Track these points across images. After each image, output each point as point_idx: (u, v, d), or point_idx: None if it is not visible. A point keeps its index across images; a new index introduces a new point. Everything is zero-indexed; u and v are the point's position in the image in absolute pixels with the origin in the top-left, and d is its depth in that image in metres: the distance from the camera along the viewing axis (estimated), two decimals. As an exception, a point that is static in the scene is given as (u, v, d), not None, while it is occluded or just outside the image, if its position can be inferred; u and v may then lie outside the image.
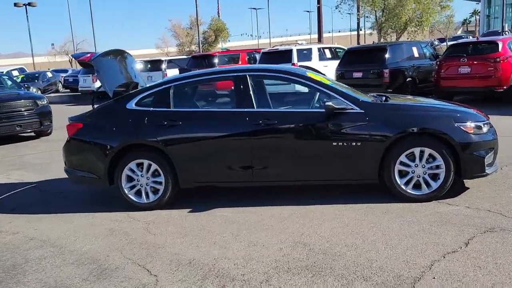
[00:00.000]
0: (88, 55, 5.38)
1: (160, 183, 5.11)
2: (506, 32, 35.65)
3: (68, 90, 29.49)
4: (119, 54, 5.76)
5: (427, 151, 4.69)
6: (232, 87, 5.15)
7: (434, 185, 4.73)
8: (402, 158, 4.73)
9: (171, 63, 19.07)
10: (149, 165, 5.09)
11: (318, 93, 5.04)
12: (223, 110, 5.12)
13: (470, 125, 4.71)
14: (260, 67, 5.98)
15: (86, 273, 3.71)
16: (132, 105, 5.22)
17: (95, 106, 5.44)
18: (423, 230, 4.04)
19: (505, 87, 11.24)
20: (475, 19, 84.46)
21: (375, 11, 18.69)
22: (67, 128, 5.40)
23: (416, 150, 4.70)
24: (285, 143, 4.89)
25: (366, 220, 4.38)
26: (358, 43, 23.92)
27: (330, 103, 4.69)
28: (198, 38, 27.87)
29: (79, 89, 24.41)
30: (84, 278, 3.63)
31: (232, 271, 3.54)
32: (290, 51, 14.71)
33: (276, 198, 5.18)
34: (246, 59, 17.57)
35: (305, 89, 5.27)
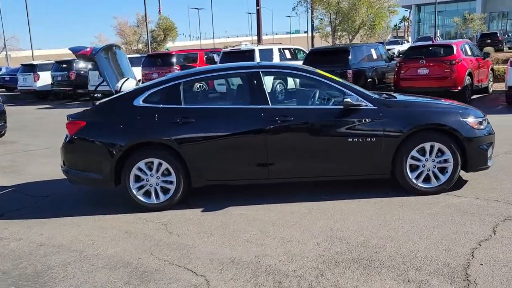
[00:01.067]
0: (88, 49, 5.11)
1: (171, 182, 4.95)
2: (438, 38, 38.02)
3: (4, 89, 27.68)
4: (110, 48, 5.53)
5: (437, 145, 4.90)
6: (242, 83, 5.10)
7: (443, 178, 4.96)
8: (414, 152, 4.92)
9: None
10: (159, 164, 4.91)
11: (330, 90, 5.11)
12: (238, 107, 5.04)
13: (474, 120, 4.98)
14: (272, 64, 5.96)
15: (125, 277, 3.52)
16: (139, 102, 5.01)
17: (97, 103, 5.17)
18: (447, 221, 4.22)
19: (459, 88, 11.99)
20: (404, 25, 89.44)
21: (330, 13, 19.23)
22: (67, 126, 5.08)
23: (427, 145, 4.90)
24: (301, 140, 4.91)
25: (388, 213, 4.50)
26: (313, 45, 24.42)
27: (348, 100, 4.77)
28: (147, 37, 27.13)
29: (18, 88, 23.02)
30: (126, 282, 3.44)
31: (281, 268, 3.51)
32: (253, 51, 14.73)
33: (286, 195, 5.18)
34: (204, 58, 17.39)
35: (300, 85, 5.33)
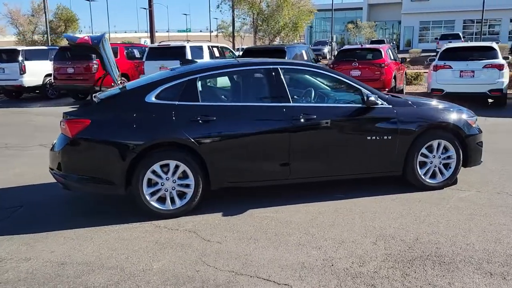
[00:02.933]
0: (86, 37, 4.49)
1: (187, 186, 4.56)
2: (332, 43, 40.50)
3: None
4: (104, 38, 4.95)
5: (443, 143, 5.17)
6: (261, 80, 4.89)
7: (447, 173, 5.25)
8: (423, 150, 5.13)
9: (32, 54, 16.61)
10: (176, 167, 4.50)
11: (348, 89, 5.11)
12: (260, 105, 4.79)
13: (471, 119, 5.35)
14: (288, 61, 5.77)
15: (201, 293, 3.15)
16: (151, 98, 4.53)
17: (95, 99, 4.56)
18: (473, 214, 4.47)
19: (387, 89, 12.82)
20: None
21: (253, 13, 19.28)
22: (67, 125, 4.40)
23: (435, 142, 5.15)
24: (323, 138, 4.85)
25: (413, 209, 4.64)
26: (233, 44, 24.37)
27: (372, 98, 4.82)
28: (47, 28, 24.61)
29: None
30: (207, 299, 3.08)
31: (361, 270, 3.42)
32: (184, 47, 14.24)
33: (299, 195, 5.05)
34: (124, 53, 16.36)
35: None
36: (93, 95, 5.15)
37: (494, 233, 4.01)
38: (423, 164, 5.19)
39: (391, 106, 5.03)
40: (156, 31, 33.45)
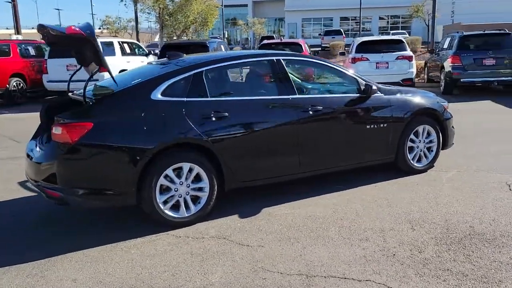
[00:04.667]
0: (77, 28, 3.85)
1: (200, 189, 4.19)
2: (224, 39, 40.86)
3: None
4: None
5: (427, 128, 5.45)
6: (265, 72, 4.67)
7: (430, 156, 5.55)
8: (412, 136, 5.35)
9: None
10: (190, 169, 4.10)
11: (345, 79, 5.11)
12: (269, 98, 4.55)
13: (445, 104, 5.71)
14: (288, 53, 5.51)
15: (290, 302, 2.88)
16: (157, 95, 4.05)
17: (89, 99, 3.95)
18: (473, 192, 4.77)
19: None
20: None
21: (159, 7, 18.28)
22: (65, 130, 3.73)
23: (420, 128, 5.40)
24: (329, 129, 4.80)
25: (420, 192, 4.81)
26: (138, 39, 22.76)
27: (374, 87, 4.88)
28: None
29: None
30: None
31: (424, 256, 3.42)
32: (94, 44, 13.11)
33: (299, 191, 4.90)
34: (17, 51, 14.57)
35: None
36: (71, 93, 4.50)
37: (506, 208, 4.31)
38: (411, 149, 5.40)
39: (383, 94, 5.15)
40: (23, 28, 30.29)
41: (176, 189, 4.06)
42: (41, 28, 4.01)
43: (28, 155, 4.26)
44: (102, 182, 3.83)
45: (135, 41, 16.06)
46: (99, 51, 3.85)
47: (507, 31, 12.73)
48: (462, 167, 5.66)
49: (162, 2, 17.34)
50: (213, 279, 3.20)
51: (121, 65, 13.81)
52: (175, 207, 4.10)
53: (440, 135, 5.53)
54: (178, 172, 4.06)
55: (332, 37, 37.84)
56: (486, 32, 13.02)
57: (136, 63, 14.60)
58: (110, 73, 3.97)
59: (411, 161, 5.39)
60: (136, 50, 15.27)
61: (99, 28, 37.29)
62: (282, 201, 4.68)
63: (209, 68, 4.37)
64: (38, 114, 4.79)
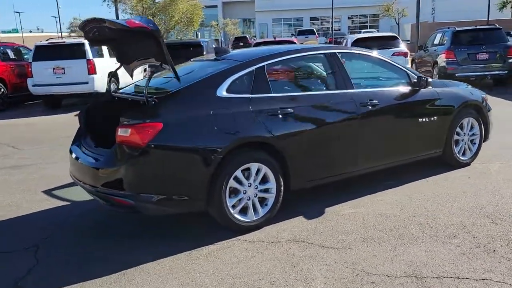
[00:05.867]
0: (139, 21, 3.54)
1: (267, 190, 3.95)
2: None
3: None
4: None
5: (471, 120, 5.38)
6: (322, 66, 4.48)
7: (473, 149, 5.49)
8: (457, 129, 5.27)
9: None
10: (258, 170, 3.86)
11: (395, 73, 4.96)
12: (330, 93, 4.35)
13: (485, 96, 5.66)
14: (340, 47, 5.31)
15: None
16: (222, 92, 3.79)
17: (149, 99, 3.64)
18: (531, 183, 4.73)
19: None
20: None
21: (143, 7, 17.64)
22: (134, 131, 3.41)
23: (465, 120, 5.33)
24: (385, 124, 4.65)
25: (476, 185, 4.73)
26: None
27: (430, 80, 4.76)
28: None
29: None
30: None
31: (524, 249, 3.32)
32: (82, 45, 12.58)
33: (349, 190, 4.72)
34: (-4, 54, 13.82)
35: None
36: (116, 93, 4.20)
37: None
38: (456, 142, 5.32)
39: (431, 87, 5.04)
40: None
41: (244, 191, 3.81)
42: (95, 21, 3.68)
43: (77, 160, 3.94)
44: (174, 186, 3.54)
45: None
46: (163, 46, 3.54)
47: (498, 26, 13.00)
48: (503, 159, 5.63)
49: (145, 1, 16.85)
50: (317, 285, 2.98)
51: (110, 67, 13.30)
52: (243, 211, 3.85)
53: (483, 127, 5.48)
54: (246, 173, 3.81)
55: (306, 37, 38.10)
56: (477, 27, 13.26)
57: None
58: (173, 70, 3.66)
59: (457, 154, 5.31)
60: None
61: (69, 30, 36.10)
62: (340, 200, 4.49)
63: (270, 62, 4.13)
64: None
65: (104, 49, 13.50)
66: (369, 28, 48.00)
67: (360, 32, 42.41)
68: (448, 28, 13.45)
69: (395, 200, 4.44)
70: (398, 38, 12.99)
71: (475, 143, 5.49)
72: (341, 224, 3.93)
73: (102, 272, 3.29)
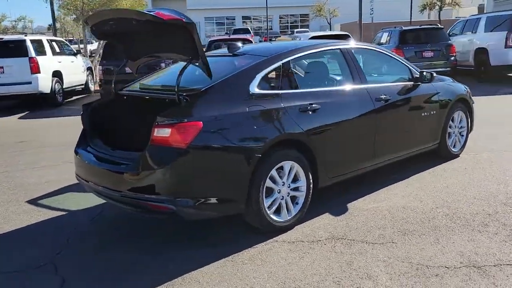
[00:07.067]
0: (169, 13, 3.30)
1: (297, 189, 3.85)
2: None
3: None
4: None
5: (460, 113, 5.63)
6: (337, 61, 4.46)
7: (462, 141, 5.74)
8: (449, 122, 5.48)
9: None
10: (291, 168, 3.75)
11: (398, 67, 5.04)
12: (350, 88, 4.31)
13: (469, 91, 5.94)
14: (353, 42, 5.21)
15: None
16: (254, 88, 3.62)
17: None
18: (524, 171, 5.03)
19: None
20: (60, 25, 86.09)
21: (82, 2, 16.41)
22: (175, 131, 3.15)
23: (456, 114, 5.56)
24: (395, 118, 4.71)
25: (477, 175, 4.93)
26: (56, 34, 19.91)
27: (435, 75, 4.89)
28: None
29: None
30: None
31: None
32: (23, 41, 11.62)
33: (359, 185, 4.76)
34: None
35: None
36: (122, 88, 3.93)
37: None
38: (449, 135, 5.53)
39: (429, 82, 5.19)
40: None
41: (279, 191, 3.68)
42: (118, 12, 3.37)
43: (89, 163, 3.62)
44: (215, 189, 3.32)
45: (63, 40, 14.54)
46: (197, 40, 3.31)
47: (440, 26, 13.78)
48: (487, 149, 5.94)
49: (86, -3, 15.90)
50: (384, 282, 2.93)
51: (53, 65, 12.44)
52: (278, 210, 3.72)
53: (469, 120, 5.75)
54: (279, 172, 3.69)
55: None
56: (422, 27, 13.96)
57: (67, 63, 13.29)
58: (206, 66, 3.44)
59: (449, 146, 5.52)
60: (65, 49, 13.85)
61: (54, 23, 33.08)
62: (356, 195, 4.49)
63: (294, 57, 4.02)
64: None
65: (47, 46, 12.58)
66: (300, 28, 49.12)
67: (293, 32, 43.28)
68: (395, 27, 14.04)
69: (409, 193, 4.51)
70: (350, 37, 13.33)
71: (463, 135, 5.74)
72: (371, 219, 3.91)
73: (146, 284, 3.02)
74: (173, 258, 3.37)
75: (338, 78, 4.49)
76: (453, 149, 5.58)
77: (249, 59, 3.94)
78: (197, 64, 3.49)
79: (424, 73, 4.95)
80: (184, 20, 3.24)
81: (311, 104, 3.86)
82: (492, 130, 7.05)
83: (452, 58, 13.20)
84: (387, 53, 4.99)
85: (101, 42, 19.29)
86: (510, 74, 14.32)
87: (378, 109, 4.42)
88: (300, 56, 4.12)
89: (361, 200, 4.38)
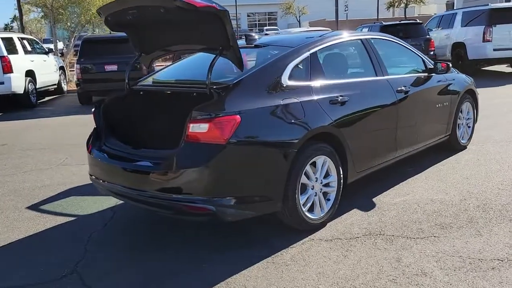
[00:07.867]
0: (204, 0, 3.07)
1: (328, 184, 3.69)
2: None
3: None
4: None
5: (468, 105, 5.61)
6: (358, 52, 4.33)
7: (469, 132, 5.74)
8: (458, 113, 5.45)
9: None
10: (323, 163, 3.59)
11: (413, 59, 4.96)
12: (374, 79, 4.17)
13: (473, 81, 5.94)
14: (374, 32, 5.03)
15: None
16: (286, 80, 3.44)
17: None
18: (536, 160, 5.04)
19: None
20: (18, 25, 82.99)
21: (51, 0, 15.52)
22: (213, 126, 2.92)
23: (464, 105, 5.54)
24: (414, 109, 4.62)
25: (491, 166, 4.91)
26: (23, 32, 18.54)
27: (451, 66, 4.83)
28: None
29: None
30: None
31: None
32: (-5, 40, 11.00)
33: (380, 177, 4.62)
34: None
35: None
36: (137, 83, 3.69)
37: None
38: (458, 126, 5.50)
39: (441, 74, 5.13)
40: None
41: (312, 187, 3.51)
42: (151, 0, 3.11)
43: (107, 162, 3.36)
44: (254, 186, 3.12)
45: (34, 38, 13.86)
46: (229, 29, 3.10)
47: (419, 21, 13.96)
48: (490, 140, 5.96)
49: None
50: (441, 278, 2.80)
51: (26, 65, 11.84)
52: (311, 207, 3.55)
53: (475, 111, 5.75)
54: (312, 167, 3.52)
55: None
56: (402, 22, 14.10)
57: (39, 62, 12.68)
58: (239, 57, 3.22)
59: (459, 138, 5.50)
60: (36, 47, 13.22)
61: (22, 23, 31.47)
62: (379, 189, 4.38)
63: (320, 48, 3.85)
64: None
65: (18, 44, 11.96)
66: (268, 26, 49.10)
67: (263, 30, 43.21)
68: (374, 23, 14.13)
69: (432, 186, 4.43)
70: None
71: (469, 127, 5.73)
72: (403, 213, 3.80)
73: (189, 293, 2.79)
74: (208, 261, 3.15)
75: (361, 69, 4.36)
76: (462, 141, 5.56)
77: (275, 50, 3.76)
78: (227, 55, 3.27)
79: (438, 64, 4.88)
80: (217, 7, 3.02)
81: (341, 96, 3.71)
82: (487, 121, 7.12)
83: (432, 52, 13.36)
84: (402, 43, 4.90)
85: (72, 41, 18.58)
86: (484, 68, 14.67)
87: (399, 100, 4.32)
88: (326, 47, 3.95)
89: (385, 194, 4.28)
